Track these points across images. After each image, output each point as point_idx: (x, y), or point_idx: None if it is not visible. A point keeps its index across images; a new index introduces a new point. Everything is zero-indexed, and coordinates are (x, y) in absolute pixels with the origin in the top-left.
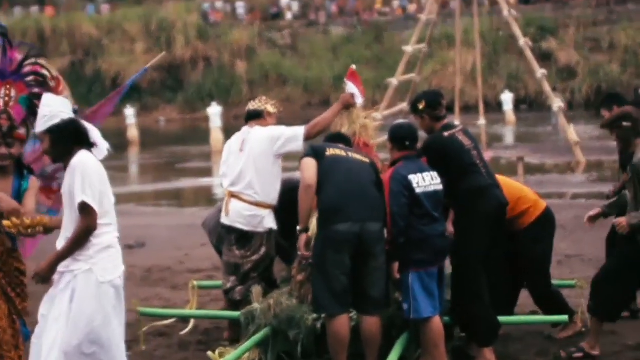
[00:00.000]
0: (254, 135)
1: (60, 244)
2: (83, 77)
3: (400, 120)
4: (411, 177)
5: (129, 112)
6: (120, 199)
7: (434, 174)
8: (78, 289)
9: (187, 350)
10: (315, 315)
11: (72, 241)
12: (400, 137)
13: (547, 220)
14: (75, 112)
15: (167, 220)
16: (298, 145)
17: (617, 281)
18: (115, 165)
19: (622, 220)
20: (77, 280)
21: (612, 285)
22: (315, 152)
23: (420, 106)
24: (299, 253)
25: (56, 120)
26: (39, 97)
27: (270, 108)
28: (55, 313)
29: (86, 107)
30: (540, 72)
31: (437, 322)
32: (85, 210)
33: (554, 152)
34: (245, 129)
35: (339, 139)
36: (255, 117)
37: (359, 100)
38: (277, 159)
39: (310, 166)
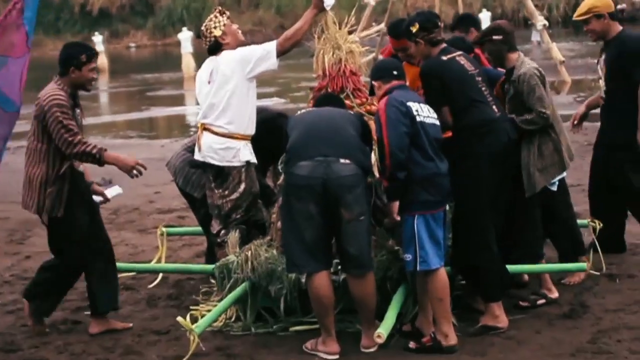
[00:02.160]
0: (222, 60)
1: None
2: (50, 3)
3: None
4: (410, 103)
5: (97, 39)
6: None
7: (429, 107)
8: None
9: (156, 307)
10: None
11: None
12: (386, 68)
13: None
14: None
15: (137, 153)
16: (272, 63)
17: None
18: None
19: None
20: None
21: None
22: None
23: (414, 29)
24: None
25: None
26: None
27: (217, 31)
28: None
29: (54, 34)
30: None
31: (443, 274)
32: None
33: None
34: (209, 60)
35: (328, 100)
36: (215, 50)
37: (330, 2)
38: (251, 82)
39: None
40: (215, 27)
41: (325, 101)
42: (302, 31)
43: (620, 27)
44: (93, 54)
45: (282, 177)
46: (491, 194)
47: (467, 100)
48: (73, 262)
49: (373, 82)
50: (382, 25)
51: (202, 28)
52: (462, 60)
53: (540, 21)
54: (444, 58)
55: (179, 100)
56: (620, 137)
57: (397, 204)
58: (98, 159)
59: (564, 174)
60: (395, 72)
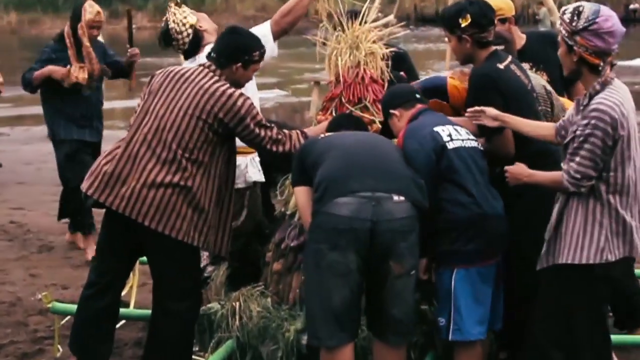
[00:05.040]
0: (203, 59)
1: None
2: None
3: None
4: (438, 128)
5: None
6: None
7: (466, 130)
8: None
9: (121, 356)
10: (299, 325)
11: None
12: (405, 93)
13: None
14: None
15: None
16: (270, 48)
17: None
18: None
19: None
20: None
21: None
22: (302, 165)
23: (463, 22)
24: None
25: None
26: None
27: (191, 18)
28: None
29: (52, 12)
30: None
31: (478, 350)
32: None
33: None
34: (190, 59)
35: (345, 123)
36: (198, 44)
37: None
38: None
39: (304, 202)
40: (185, 17)
41: (340, 123)
42: (302, 5)
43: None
44: (264, 53)
45: (281, 204)
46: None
47: None
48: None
49: (391, 112)
50: (391, 17)
51: (171, 25)
52: (518, 71)
53: (558, 19)
54: (500, 66)
55: None
56: None
57: (424, 261)
58: None
59: None
60: (417, 96)
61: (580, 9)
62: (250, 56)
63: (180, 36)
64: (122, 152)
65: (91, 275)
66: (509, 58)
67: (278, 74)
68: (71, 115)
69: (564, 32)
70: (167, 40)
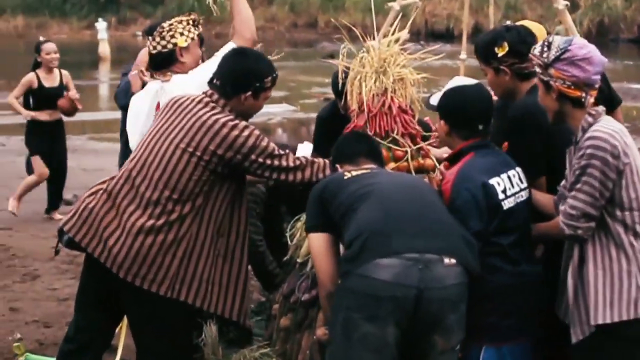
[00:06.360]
0: (171, 90)
1: None
2: None
3: (456, 80)
4: (493, 181)
5: (101, 25)
6: (79, 128)
7: (519, 170)
8: None
9: None
10: None
11: None
12: (467, 116)
13: None
14: None
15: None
16: None
17: None
18: (77, 84)
19: None
20: None
21: None
22: (323, 208)
23: (500, 51)
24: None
25: None
26: None
27: (181, 40)
28: None
29: (59, 17)
30: (563, 3)
31: None
32: None
33: None
34: (152, 85)
35: (360, 147)
36: (166, 64)
37: None
38: None
39: (321, 252)
40: (181, 33)
41: (352, 151)
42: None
43: None
44: (276, 78)
45: (292, 250)
46: None
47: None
48: None
49: (441, 121)
50: (405, 32)
51: (164, 25)
52: None
53: (578, 37)
54: None
55: None
56: None
57: None
58: None
59: None
60: (480, 127)
61: (550, 39)
62: (262, 83)
63: (157, 39)
64: (105, 188)
65: (71, 328)
66: None
67: (286, 87)
68: None
69: (537, 69)
70: (149, 30)
